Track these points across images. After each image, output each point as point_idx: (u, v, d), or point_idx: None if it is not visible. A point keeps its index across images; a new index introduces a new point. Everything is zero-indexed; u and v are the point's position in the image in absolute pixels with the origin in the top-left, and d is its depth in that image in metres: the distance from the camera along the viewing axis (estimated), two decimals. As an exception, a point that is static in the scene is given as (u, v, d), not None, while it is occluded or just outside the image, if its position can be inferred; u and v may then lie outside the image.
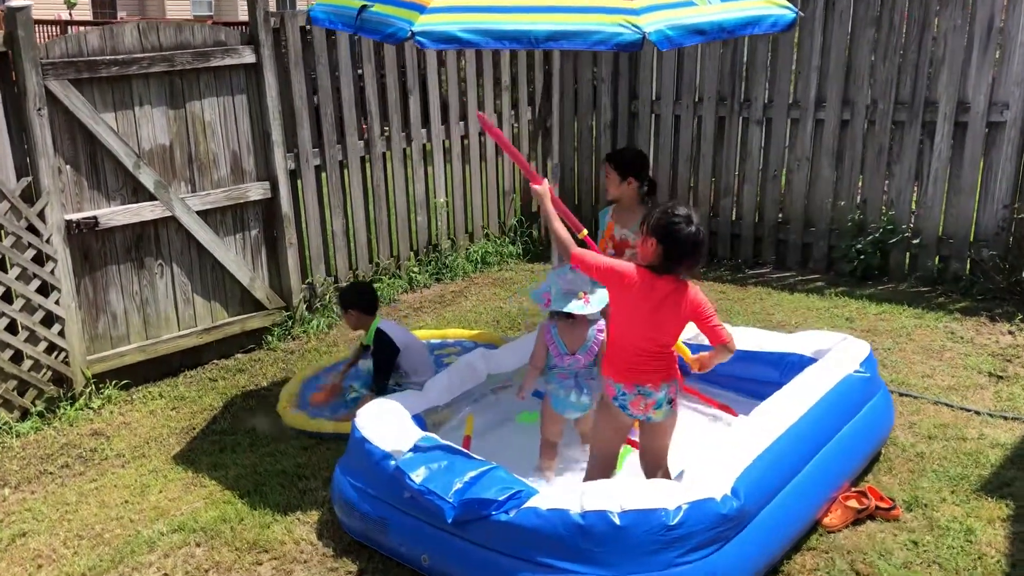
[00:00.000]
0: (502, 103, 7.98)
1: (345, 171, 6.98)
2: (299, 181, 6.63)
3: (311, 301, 6.78)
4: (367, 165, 7.11)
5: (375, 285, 7.07)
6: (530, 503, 3.21)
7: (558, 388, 4.03)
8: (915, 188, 6.82)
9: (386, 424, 3.86)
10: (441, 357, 5.85)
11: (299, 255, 6.65)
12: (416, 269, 7.48)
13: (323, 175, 6.83)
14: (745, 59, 7.30)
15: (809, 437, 3.74)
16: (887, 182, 6.88)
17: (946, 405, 4.80)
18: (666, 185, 7.90)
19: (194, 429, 5.19)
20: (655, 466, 3.69)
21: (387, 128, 7.19)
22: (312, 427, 4.97)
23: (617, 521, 3.04)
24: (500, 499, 3.22)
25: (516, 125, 8.17)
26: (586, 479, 3.67)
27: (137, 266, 5.83)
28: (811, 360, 4.44)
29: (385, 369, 5.16)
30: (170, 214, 5.87)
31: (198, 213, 6.02)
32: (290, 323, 6.57)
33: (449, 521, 3.27)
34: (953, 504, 3.89)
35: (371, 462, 3.66)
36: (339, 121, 6.85)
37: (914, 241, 6.76)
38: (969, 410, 4.73)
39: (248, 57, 6.11)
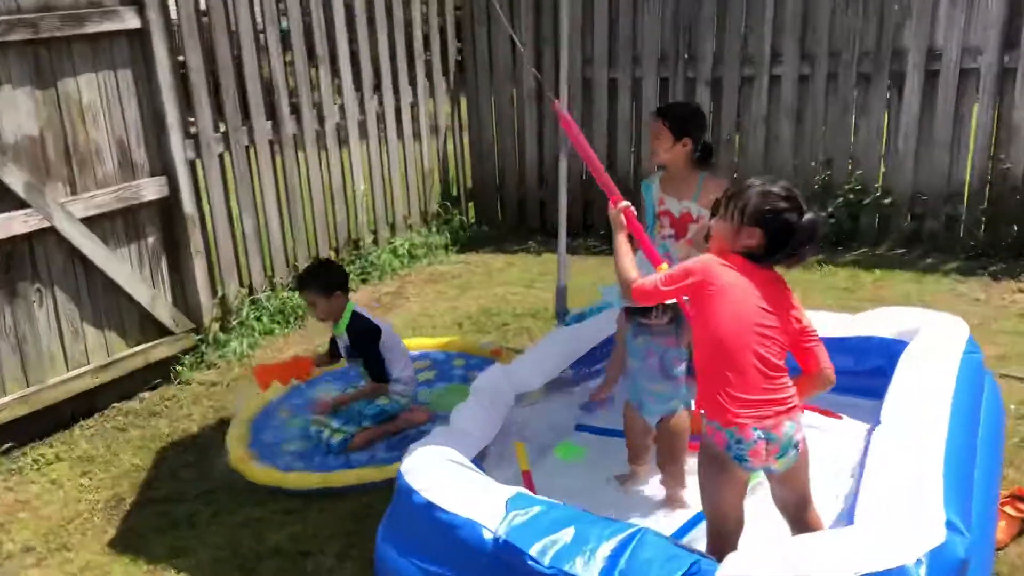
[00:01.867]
0: (417, 72, 6.98)
1: (252, 158, 5.80)
2: (201, 173, 5.42)
3: (225, 319, 5.58)
4: (277, 150, 5.95)
5: (293, 293, 5.98)
6: (717, 578, 2.36)
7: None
8: (883, 144, 6.41)
9: (451, 478, 2.89)
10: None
11: (207, 264, 5.44)
12: (339, 270, 6.38)
13: (227, 164, 5.63)
14: (689, 13, 6.65)
15: (965, 439, 3.09)
16: (853, 139, 6.43)
17: (1016, 379, 4.32)
18: (604, 158, 7.17)
19: (123, 500, 3.98)
20: (802, 512, 2.86)
21: (296, 104, 6.05)
22: (291, 483, 3.88)
23: (850, 594, 2.25)
24: (678, 578, 2.36)
25: (433, 99, 7.20)
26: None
27: (8, 294, 4.50)
28: (897, 343, 3.80)
29: (379, 359, 4.28)
30: (48, 224, 4.56)
31: (82, 221, 4.73)
32: (203, 348, 5.37)
33: (606, 615, 2.38)
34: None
35: (452, 536, 2.69)
36: (242, 98, 5.66)
37: (884, 201, 6.36)
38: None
39: (131, 21, 4.85)
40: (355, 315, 4.31)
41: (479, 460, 3.26)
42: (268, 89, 5.81)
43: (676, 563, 2.41)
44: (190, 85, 5.27)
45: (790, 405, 2.63)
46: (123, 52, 4.87)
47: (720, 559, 2.61)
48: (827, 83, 6.38)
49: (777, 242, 2.55)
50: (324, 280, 4.30)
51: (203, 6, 5.33)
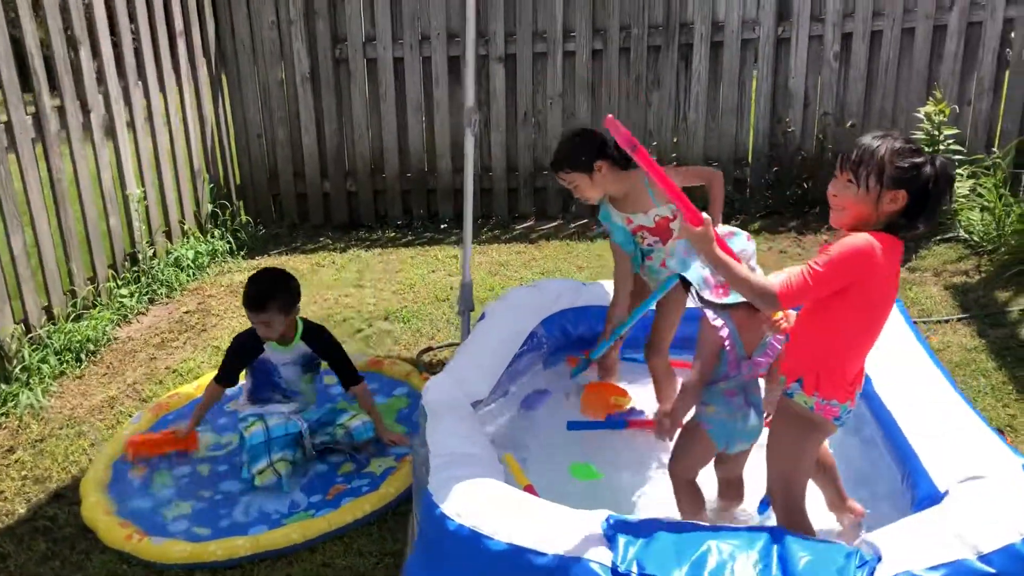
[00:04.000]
0: (179, 55, 6.04)
1: (15, 161, 4.65)
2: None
3: (3, 367, 4.44)
4: (40, 150, 4.83)
5: (77, 324, 4.96)
6: (888, 569, 2.19)
7: (723, 411, 2.86)
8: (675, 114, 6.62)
9: (519, 513, 2.46)
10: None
11: (-27, 300, 4.30)
12: (124, 292, 5.37)
13: (-17, 172, 4.46)
14: (477, -13, 6.39)
15: (952, 382, 3.21)
16: (647, 112, 6.58)
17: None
18: (395, 144, 6.72)
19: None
20: (834, 476, 2.93)
21: (58, 95, 4.95)
22: (214, 555, 3.13)
23: (1030, 552, 2.21)
24: (857, 578, 2.17)
25: (196, 82, 6.27)
26: None
27: None
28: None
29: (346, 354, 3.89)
30: None
31: None
32: (-18, 406, 4.24)
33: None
34: (1026, 418, 3.69)
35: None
36: (-6, 87, 4.52)
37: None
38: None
39: None
40: (305, 321, 3.81)
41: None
42: (22, 74, 4.68)
43: (837, 557, 2.22)
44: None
45: None
46: None
47: (792, 523, 2.57)
48: (619, 58, 6.46)
49: (921, 200, 2.38)
50: (285, 294, 3.66)
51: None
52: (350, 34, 6.52)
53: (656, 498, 3.13)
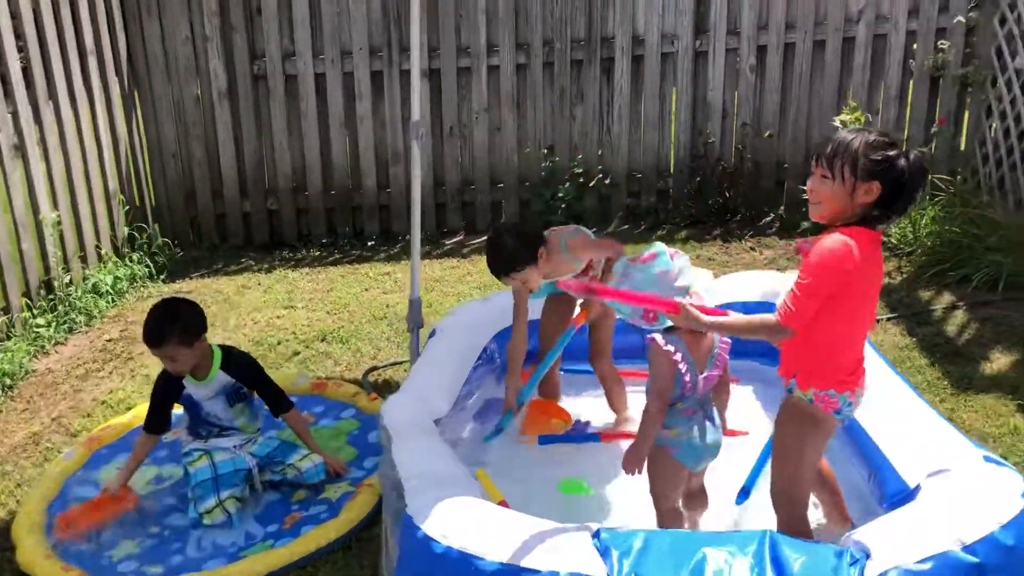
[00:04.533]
0: (89, 71, 5.78)
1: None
2: None
3: (-87, 405, 4.16)
4: (-53, 175, 4.56)
5: (-8, 357, 4.69)
6: (879, 566, 2.24)
7: (685, 430, 2.85)
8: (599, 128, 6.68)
9: (508, 532, 2.41)
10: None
11: None
12: (40, 322, 5.09)
13: None
14: (398, 2, 6.33)
15: (910, 384, 3.32)
16: (572, 125, 6.62)
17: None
18: (317, 161, 6.58)
19: None
20: (835, 490, 2.95)
21: (-36, 115, 4.67)
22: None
23: (1008, 540, 2.28)
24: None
25: (108, 101, 6.02)
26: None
27: None
28: (762, 304, 3.96)
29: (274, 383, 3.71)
30: None
31: None
32: None
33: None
34: (965, 411, 3.84)
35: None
36: None
37: (606, 181, 6.66)
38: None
39: None
40: (225, 349, 3.61)
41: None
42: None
43: (830, 557, 2.26)
44: None
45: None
46: None
47: (794, 531, 2.56)
48: (544, 72, 6.50)
49: (894, 192, 2.45)
50: (184, 324, 3.40)
51: None
52: (268, 49, 6.37)
53: (639, 508, 3.10)
